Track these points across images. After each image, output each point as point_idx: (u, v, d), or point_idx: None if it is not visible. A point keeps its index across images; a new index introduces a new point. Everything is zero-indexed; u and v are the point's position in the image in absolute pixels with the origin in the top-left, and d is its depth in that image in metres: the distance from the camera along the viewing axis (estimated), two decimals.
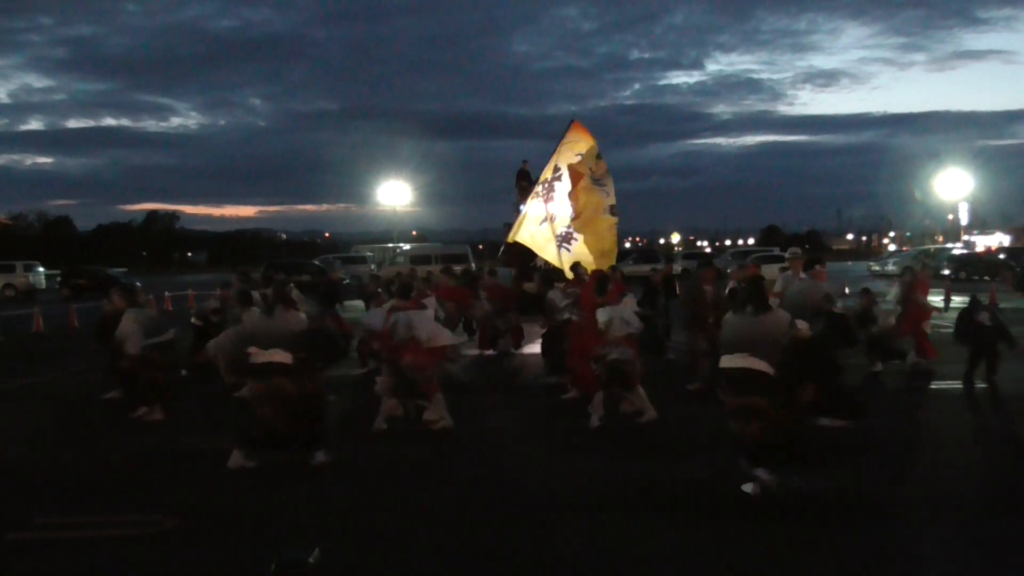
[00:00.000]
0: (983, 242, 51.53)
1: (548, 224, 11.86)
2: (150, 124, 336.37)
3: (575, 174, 11.39)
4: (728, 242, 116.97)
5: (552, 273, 12.43)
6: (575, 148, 11.67)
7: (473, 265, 32.25)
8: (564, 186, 11.62)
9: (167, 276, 64.74)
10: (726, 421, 6.09)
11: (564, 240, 11.67)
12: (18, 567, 5.03)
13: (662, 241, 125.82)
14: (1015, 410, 8.72)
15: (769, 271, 15.25)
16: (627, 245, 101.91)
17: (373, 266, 38.60)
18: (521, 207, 12.90)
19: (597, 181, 11.44)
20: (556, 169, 11.75)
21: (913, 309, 11.58)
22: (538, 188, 12.02)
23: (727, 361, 6.04)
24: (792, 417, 5.82)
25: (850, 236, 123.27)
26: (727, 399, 6.03)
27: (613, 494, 6.12)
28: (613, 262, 11.40)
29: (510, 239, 12.58)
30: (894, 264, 42.27)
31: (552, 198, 11.78)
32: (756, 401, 5.81)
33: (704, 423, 8.18)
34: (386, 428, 8.14)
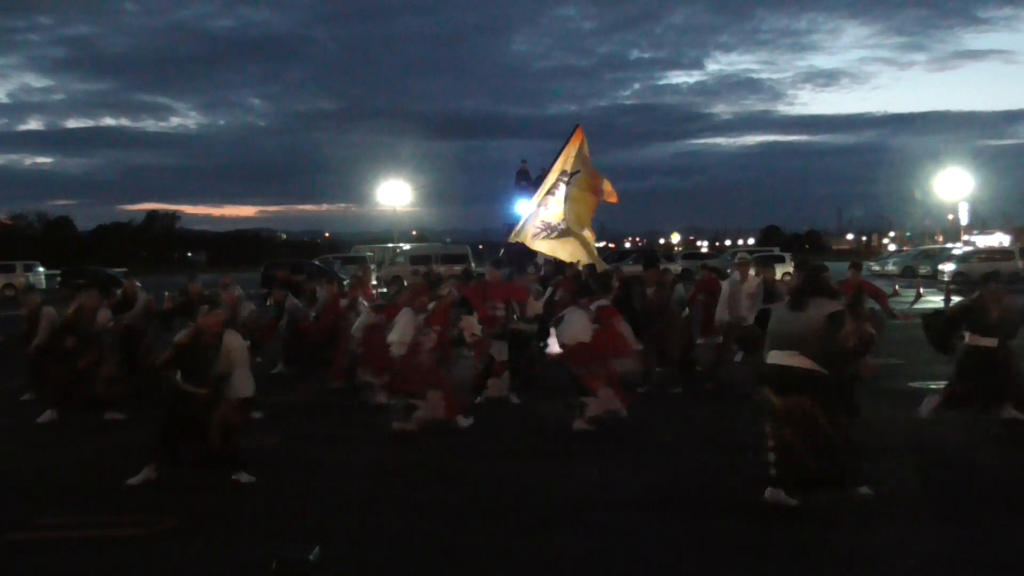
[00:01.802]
0: (983, 242, 51.52)
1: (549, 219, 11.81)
2: (149, 124, 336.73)
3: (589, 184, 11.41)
4: (728, 242, 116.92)
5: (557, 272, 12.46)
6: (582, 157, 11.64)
7: (473, 265, 32.21)
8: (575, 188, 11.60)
9: (167, 276, 64.70)
10: (762, 425, 5.75)
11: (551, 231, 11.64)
12: (18, 567, 5.03)
13: (662, 241, 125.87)
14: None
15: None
16: (627, 245, 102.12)
17: (373, 266, 38.61)
18: (520, 210, 12.86)
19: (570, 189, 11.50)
20: (565, 173, 11.70)
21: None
22: (545, 189, 11.96)
23: (773, 358, 5.74)
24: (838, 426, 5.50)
25: (850, 236, 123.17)
26: (771, 400, 5.66)
27: (613, 494, 6.12)
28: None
29: (512, 239, 12.55)
30: (894, 264, 42.29)
31: (555, 197, 11.73)
32: (803, 402, 5.48)
33: (702, 424, 8.19)
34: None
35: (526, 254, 15.20)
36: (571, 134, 11.92)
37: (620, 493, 6.15)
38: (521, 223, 12.26)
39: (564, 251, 11.73)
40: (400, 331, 7.98)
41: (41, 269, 39.45)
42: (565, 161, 11.69)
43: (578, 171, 11.54)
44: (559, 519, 5.60)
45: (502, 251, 13.61)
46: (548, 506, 5.88)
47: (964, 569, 4.75)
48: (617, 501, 5.95)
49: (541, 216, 11.67)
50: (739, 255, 11.40)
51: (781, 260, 35.93)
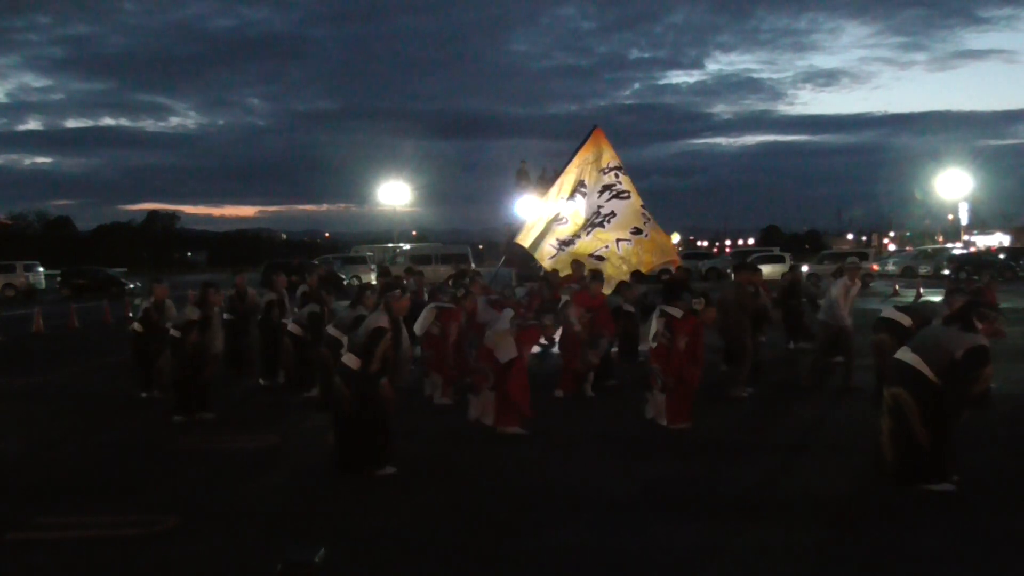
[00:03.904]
0: (983, 242, 51.57)
1: (562, 225, 11.78)
2: (148, 124, 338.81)
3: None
4: (728, 242, 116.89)
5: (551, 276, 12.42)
6: (603, 161, 11.59)
7: (473, 265, 32.17)
8: (592, 197, 11.59)
9: (167, 276, 64.63)
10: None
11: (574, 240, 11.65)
12: (18, 567, 5.03)
13: None
14: (1016, 410, 8.71)
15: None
16: None
17: (373, 266, 38.57)
18: (520, 211, 12.88)
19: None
20: (581, 183, 11.67)
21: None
22: (555, 194, 11.91)
23: (899, 353, 6.23)
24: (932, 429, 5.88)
25: (850, 236, 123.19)
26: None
27: (613, 494, 6.12)
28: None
29: (519, 241, 12.50)
30: (894, 264, 42.31)
31: (575, 205, 11.70)
32: (904, 396, 5.95)
33: (704, 424, 8.18)
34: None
35: (528, 256, 15.19)
36: (587, 136, 11.82)
37: (621, 493, 6.14)
38: (528, 227, 12.20)
39: (566, 265, 11.73)
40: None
41: (41, 269, 39.44)
42: (584, 167, 11.61)
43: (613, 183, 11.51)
44: (559, 519, 5.59)
45: (503, 258, 13.57)
46: (548, 506, 5.87)
47: (965, 569, 4.75)
48: (618, 501, 5.95)
49: (556, 234, 11.65)
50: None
51: (781, 260, 35.94)
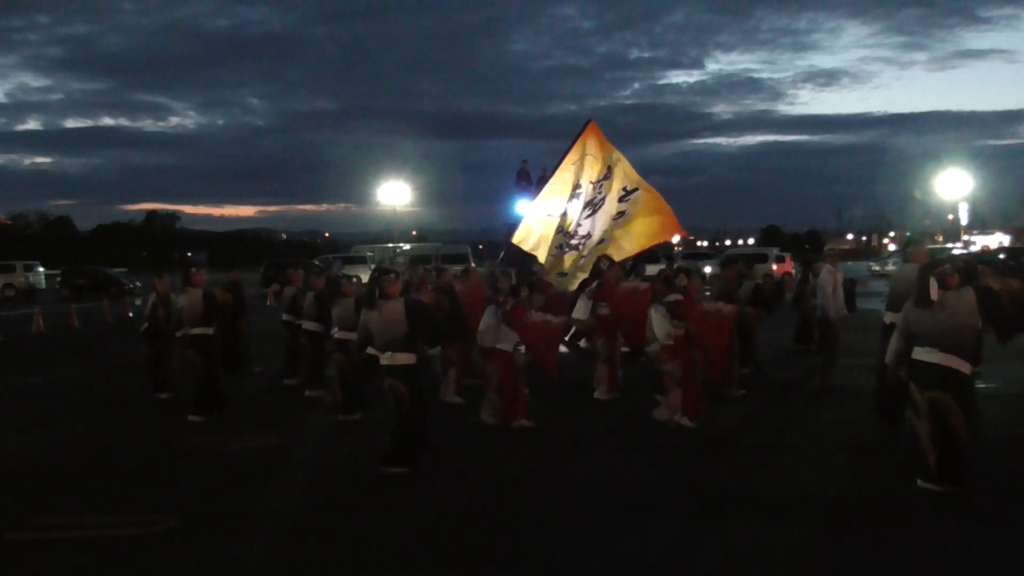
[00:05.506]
0: (983, 242, 51.50)
1: (556, 222, 11.72)
2: (148, 124, 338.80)
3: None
4: (728, 242, 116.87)
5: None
6: (600, 159, 11.50)
7: (473, 265, 32.09)
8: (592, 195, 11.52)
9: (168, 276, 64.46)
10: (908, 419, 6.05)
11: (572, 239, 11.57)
12: (18, 567, 5.03)
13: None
14: (1017, 410, 8.71)
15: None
16: None
17: (373, 266, 38.58)
18: (522, 209, 12.83)
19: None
20: (577, 182, 11.59)
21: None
22: (553, 189, 11.83)
23: (920, 354, 5.98)
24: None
25: (850, 236, 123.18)
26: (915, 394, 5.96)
27: (613, 494, 6.12)
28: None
29: (515, 241, 12.46)
30: (894, 264, 42.30)
31: (575, 203, 11.63)
32: (943, 398, 5.80)
33: (705, 424, 8.18)
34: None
35: (528, 255, 15.15)
36: (580, 131, 11.71)
37: (621, 493, 6.15)
38: (527, 227, 12.14)
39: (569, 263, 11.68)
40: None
41: (41, 269, 39.44)
42: (580, 168, 11.51)
43: (610, 177, 11.42)
44: (559, 519, 5.59)
45: (502, 253, 13.53)
46: (549, 506, 5.88)
47: (964, 569, 4.75)
48: (618, 501, 5.95)
49: (557, 242, 11.59)
50: (828, 247, 11.26)
51: (780, 260, 35.94)
